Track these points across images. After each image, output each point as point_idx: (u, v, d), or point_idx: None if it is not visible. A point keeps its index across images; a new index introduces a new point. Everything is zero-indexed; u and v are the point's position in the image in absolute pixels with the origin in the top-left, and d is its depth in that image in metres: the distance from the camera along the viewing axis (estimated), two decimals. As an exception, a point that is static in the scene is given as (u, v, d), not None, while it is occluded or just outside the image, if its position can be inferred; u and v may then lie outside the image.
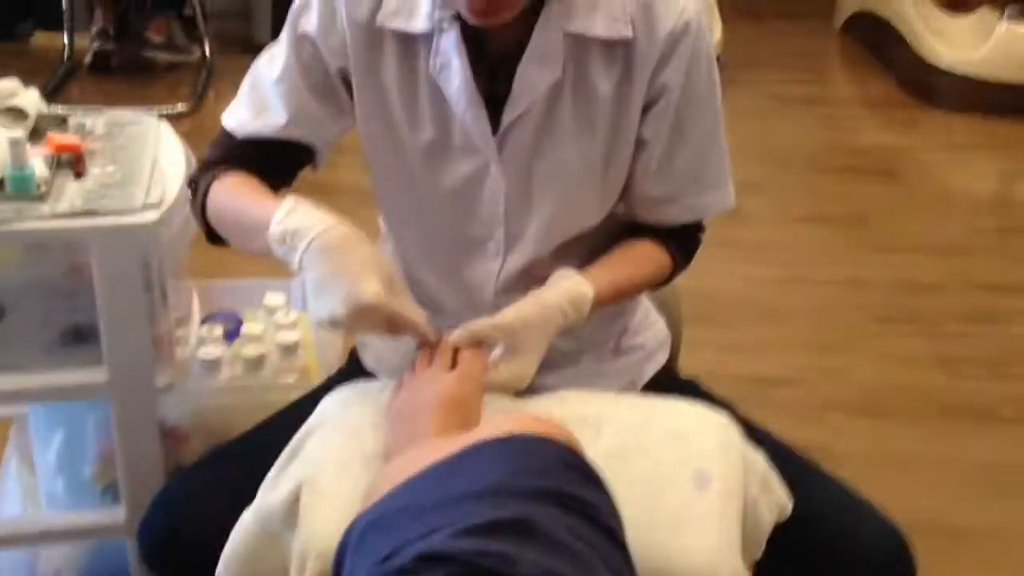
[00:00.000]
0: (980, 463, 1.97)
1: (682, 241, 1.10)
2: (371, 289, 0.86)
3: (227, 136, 1.06)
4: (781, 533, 0.94)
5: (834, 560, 0.95)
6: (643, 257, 1.06)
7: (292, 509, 0.88)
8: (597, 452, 0.88)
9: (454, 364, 0.91)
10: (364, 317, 0.87)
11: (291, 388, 1.28)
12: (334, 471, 0.86)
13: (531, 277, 1.02)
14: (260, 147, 1.04)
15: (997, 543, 1.76)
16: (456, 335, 0.93)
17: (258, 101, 1.04)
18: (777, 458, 0.96)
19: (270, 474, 0.93)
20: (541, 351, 0.94)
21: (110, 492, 1.32)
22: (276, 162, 1.05)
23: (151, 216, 1.14)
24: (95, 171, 1.21)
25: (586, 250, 1.05)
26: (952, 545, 1.75)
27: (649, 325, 1.16)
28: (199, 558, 0.95)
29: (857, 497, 1.00)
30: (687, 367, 1.33)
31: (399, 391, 0.90)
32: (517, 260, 1.04)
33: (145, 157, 1.25)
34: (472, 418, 0.86)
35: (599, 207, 1.04)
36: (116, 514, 1.29)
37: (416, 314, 0.92)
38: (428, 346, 0.94)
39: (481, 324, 0.94)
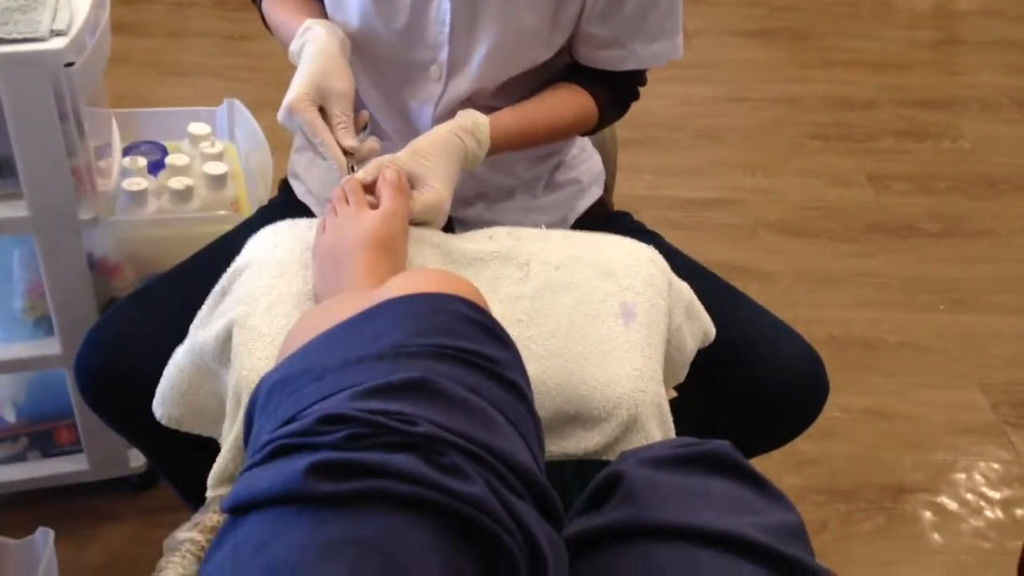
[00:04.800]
0: (901, 278, 2.04)
1: (618, 91, 1.08)
2: (295, 92, 0.94)
3: None
4: (703, 357, 0.97)
5: (752, 380, 1.00)
6: (562, 102, 1.04)
7: (224, 347, 0.88)
8: (524, 290, 0.90)
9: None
10: (289, 117, 0.94)
11: (221, 220, 1.26)
12: (264, 309, 0.86)
13: (471, 107, 1.00)
14: None
15: (910, 352, 1.86)
16: (361, 172, 0.92)
17: None
18: (702, 286, 0.99)
19: (201, 312, 0.93)
20: (449, 179, 0.93)
21: (43, 325, 1.31)
22: None
23: (59, 43, 1.08)
24: (-5, -6, 1.13)
25: (529, 91, 1.03)
26: (868, 356, 1.84)
27: (584, 160, 1.16)
28: (136, 392, 0.96)
29: (776, 321, 1.04)
30: (624, 191, 1.34)
31: (322, 232, 0.89)
32: (459, 86, 1.02)
33: (48, -23, 1.16)
34: (399, 255, 0.86)
35: (547, 41, 1.01)
36: (51, 346, 1.30)
37: (339, 133, 0.94)
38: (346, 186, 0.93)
39: (381, 158, 0.94)
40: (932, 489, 1.59)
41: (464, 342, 0.55)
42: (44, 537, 1.13)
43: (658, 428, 0.86)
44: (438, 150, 0.93)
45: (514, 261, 0.91)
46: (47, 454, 1.42)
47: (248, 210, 1.38)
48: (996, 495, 1.59)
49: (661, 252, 0.98)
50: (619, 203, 1.26)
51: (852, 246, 2.13)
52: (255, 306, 0.87)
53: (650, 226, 1.16)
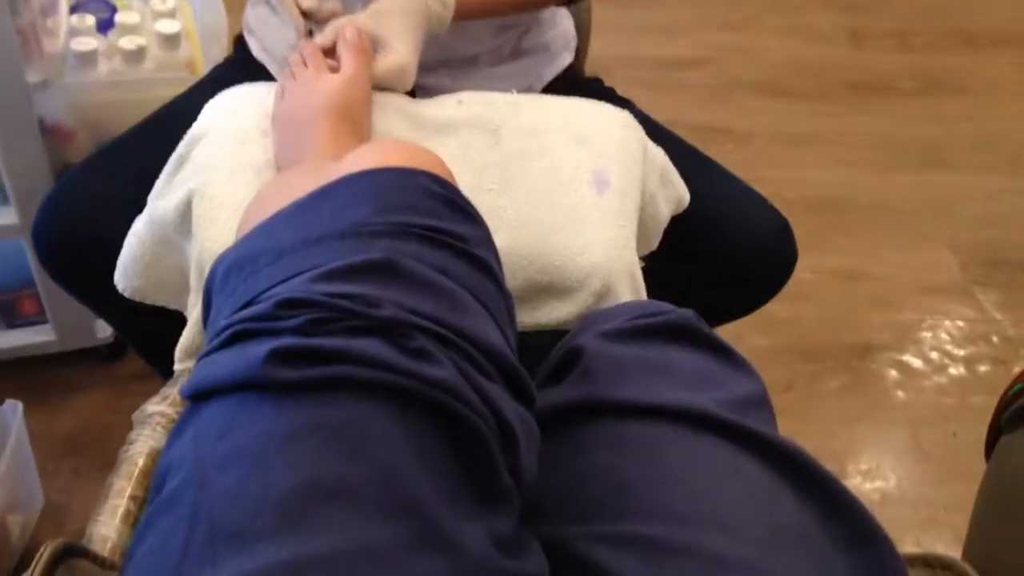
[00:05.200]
0: (875, 137, 2.02)
1: None
2: None
3: None
4: (673, 225, 0.96)
5: (721, 248, 0.99)
6: None
7: (185, 217, 0.85)
8: (494, 157, 0.87)
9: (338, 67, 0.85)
10: None
11: (177, 82, 1.20)
12: (225, 179, 0.83)
13: None
14: None
15: (881, 213, 1.86)
16: (320, 37, 0.87)
17: None
18: (676, 153, 0.96)
19: (158, 182, 0.89)
20: (413, 41, 0.88)
21: (-2, 194, 1.27)
22: None
23: None
24: None
25: None
26: (840, 217, 1.84)
27: (554, 25, 1.10)
28: (98, 262, 0.93)
29: (746, 189, 1.03)
30: (598, 50, 1.28)
31: (281, 98, 0.85)
32: None
33: None
34: (363, 122, 0.82)
35: None
36: (7, 216, 1.26)
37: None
38: (306, 47, 0.88)
39: (339, 20, 0.89)
40: (898, 348, 1.62)
41: (430, 219, 0.52)
42: (13, 409, 1.12)
43: (632, 296, 0.85)
44: (399, 11, 0.88)
45: (484, 127, 0.88)
46: (11, 325, 1.40)
47: (203, 70, 1.32)
48: (960, 352, 1.62)
49: (633, 115, 0.95)
50: (592, 62, 1.21)
51: (828, 105, 2.10)
52: (215, 175, 0.84)
53: (623, 88, 1.12)
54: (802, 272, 1.02)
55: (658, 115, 1.05)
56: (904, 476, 1.42)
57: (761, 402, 0.58)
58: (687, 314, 0.62)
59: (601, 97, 1.07)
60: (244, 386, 0.43)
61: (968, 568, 0.57)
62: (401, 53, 0.87)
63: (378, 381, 0.44)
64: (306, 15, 0.89)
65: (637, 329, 0.61)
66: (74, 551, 0.56)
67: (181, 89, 1.12)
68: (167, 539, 0.41)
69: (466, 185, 0.85)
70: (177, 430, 0.46)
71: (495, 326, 0.51)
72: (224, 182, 0.83)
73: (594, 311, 0.68)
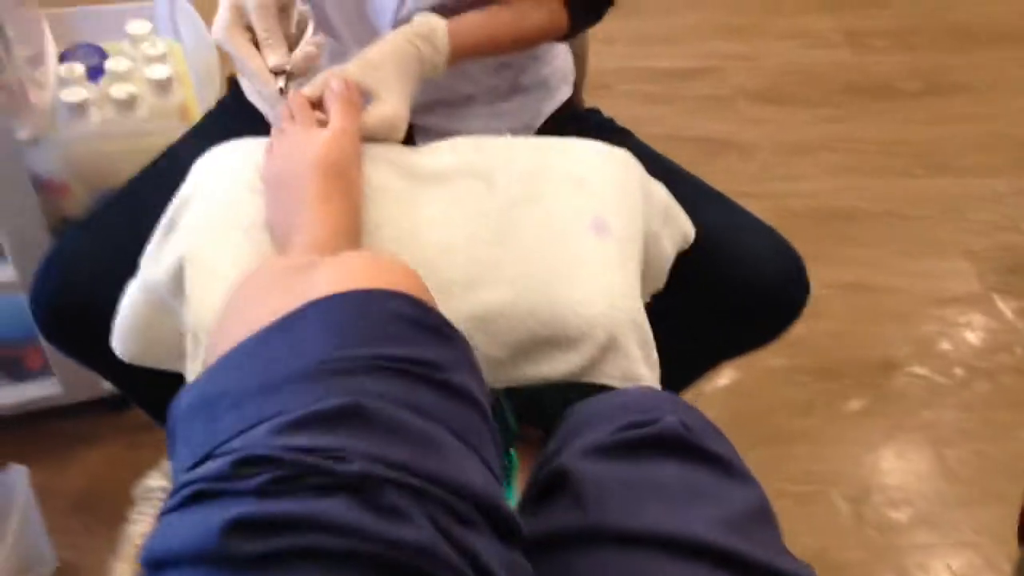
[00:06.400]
0: (879, 142, 1.99)
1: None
2: (218, 19, 0.85)
3: None
4: (680, 260, 0.93)
5: (730, 283, 0.96)
6: (528, 5, 0.96)
7: (178, 282, 0.83)
8: (490, 206, 0.85)
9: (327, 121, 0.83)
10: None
11: (170, 129, 1.19)
12: (215, 243, 0.81)
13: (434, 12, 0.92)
14: None
15: (890, 221, 1.83)
16: (307, 88, 0.85)
17: None
18: (676, 186, 0.94)
19: (150, 245, 0.87)
20: (403, 89, 0.86)
21: (-5, 251, 1.26)
22: None
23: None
24: None
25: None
26: (848, 227, 1.81)
27: (552, 60, 1.08)
28: (94, 326, 0.92)
29: (752, 220, 1.00)
30: (596, 65, 1.26)
31: (270, 155, 0.83)
32: None
33: None
34: (353, 177, 0.80)
35: None
36: (6, 272, 1.24)
37: (264, 52, 0.86)
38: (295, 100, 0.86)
39: (328, 72, 0.86)
40: (918, 363, 1.58)
41: (399, 347, 0.48)
42: (19, 474, 1.11)
43: (637, 346, 0.83)
44: (390, 59, 0.86)
45: (478, 175, 0.86)
46: (18, 379, 1.38)
47: (198, 113, 1.30)
48: (983, 365, 1.59)
49: (632, 152, 0.93)
50: (591, 78, 1.19)
51: (830, 111, 2.07)
52: (205, 240, 0.82)
53: (624, 104, 1.10)
54: (814, 288, 0.99)
55: (660, 129, 1.03)
56: (931, 499, 1.39)
57: (761, 515, 0.54)
58: (672, 424, 0.58)
59: (600, 129, 1.04)
60: (202, 559, 0.40)
61: None
62: (391, 104, 0.85)
63: (347, 549, 0.40)
64: (282, 72, 0.87)
65: (622, 444, 0.57)
66: None
67: (175, 135, 1.10)
68: None
69: (463, 238, 0.84)
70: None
71: (478, 461, 0.48)
72: (214, 246, 0.81)
73: (574, 417, 0.64)
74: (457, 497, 0.44)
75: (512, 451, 0.93)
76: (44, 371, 1.37)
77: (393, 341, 0.49)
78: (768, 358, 1.55)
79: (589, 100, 1.14)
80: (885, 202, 1.86)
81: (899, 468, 1.43)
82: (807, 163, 1.94)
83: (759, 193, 1.86)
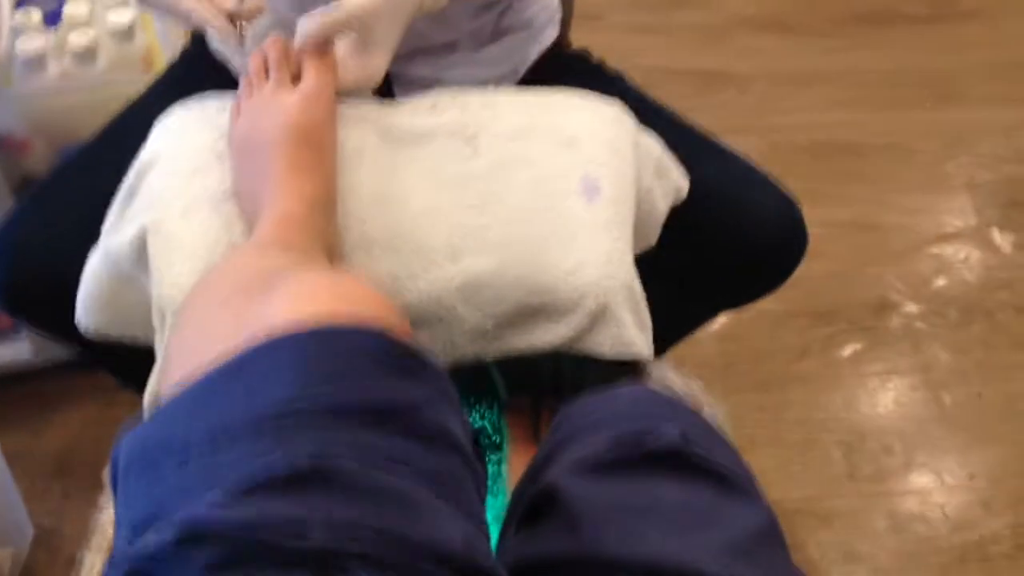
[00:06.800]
0: (885, 72, 1.92)
1: None
2: None
3: None
4: (674, 214, 0.88)
5: (728, 234, 0.91)
6: None
7: (141, 252, 0.78)
8: (476, 169, 0.79)
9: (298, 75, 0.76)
10: None
11: (133, 82, 1.12)
12: (180, 215, 0.76)
13: None
14: None
15: (894, 155, 1.77)
16: (299, 40, 0.77)
17: None
18: (669, 136, 0.88)
19: (110, 214, 0.82)
20: (394, 41, 0.78)
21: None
22: None
23: None
24: None
25: None
26: (851, 162, 1.75)
27: (536, -1, 0.99)
28: (56, 299, 0.86)
29: (752, 168, 0.94)
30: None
31: (237, 117, 0.77)
32: None
33: None
34: (326, 144, 0.74)
35: None
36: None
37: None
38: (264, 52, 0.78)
39: (327, 16, 0.75)
40: (914, 303, 1.54)
41: (369, 393, 0.42)
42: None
43: (629, 312, 0.78)
44: (391, 6, 0.76)
45: (460, 135, 0.80)
46: (-15, 340, 1.33)
47: (162, 61, 1.23)
48: (981, 303, 1.55)
49: (624, 98, 0.86)
50: (580, 7, 1.11)
51: (832, 40, 1.99)
52: (168, 210, 0.76)
53: (614, 37, 1.03)
54: (811, 227, 0.94)
55: (652, 62, 0.96)
56: (928, 445, 1.36)
57: (768, 536, 0.50)
58: (673, 439, 0.52)
59: (589, 76, 0.98)
60: None
61: None
62: (377, 57, 0.76)
63: None
64: (233, 18, 0.78)
65: (617, 461, 0.52)
66: None
67: (138, 87, 1.04)
68: None
69: (445, 202, 0.78)
70: None
71: (457, 515, 0.43)
72: (179, 219, 0.76)
73: (565, 424, 0.58)
74: (434, 563, 0.39)
75: (503, 420, 0.89)
76: (13, 332, 1.32)
77: (359, 385, 0.43)
78: (763, 302, 1.50)
79: (578, 32, 1.07)
80: (888, 135, 1.80)
81: (895, 414, 1.40)
82: (807, 95, 1.87)
83: (756, 127, 1.80)
